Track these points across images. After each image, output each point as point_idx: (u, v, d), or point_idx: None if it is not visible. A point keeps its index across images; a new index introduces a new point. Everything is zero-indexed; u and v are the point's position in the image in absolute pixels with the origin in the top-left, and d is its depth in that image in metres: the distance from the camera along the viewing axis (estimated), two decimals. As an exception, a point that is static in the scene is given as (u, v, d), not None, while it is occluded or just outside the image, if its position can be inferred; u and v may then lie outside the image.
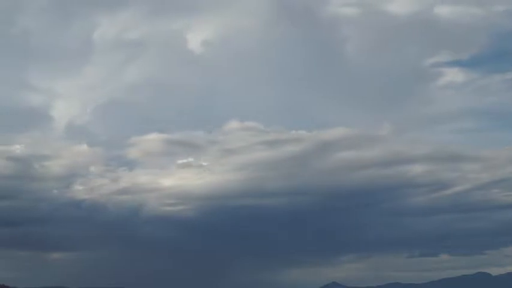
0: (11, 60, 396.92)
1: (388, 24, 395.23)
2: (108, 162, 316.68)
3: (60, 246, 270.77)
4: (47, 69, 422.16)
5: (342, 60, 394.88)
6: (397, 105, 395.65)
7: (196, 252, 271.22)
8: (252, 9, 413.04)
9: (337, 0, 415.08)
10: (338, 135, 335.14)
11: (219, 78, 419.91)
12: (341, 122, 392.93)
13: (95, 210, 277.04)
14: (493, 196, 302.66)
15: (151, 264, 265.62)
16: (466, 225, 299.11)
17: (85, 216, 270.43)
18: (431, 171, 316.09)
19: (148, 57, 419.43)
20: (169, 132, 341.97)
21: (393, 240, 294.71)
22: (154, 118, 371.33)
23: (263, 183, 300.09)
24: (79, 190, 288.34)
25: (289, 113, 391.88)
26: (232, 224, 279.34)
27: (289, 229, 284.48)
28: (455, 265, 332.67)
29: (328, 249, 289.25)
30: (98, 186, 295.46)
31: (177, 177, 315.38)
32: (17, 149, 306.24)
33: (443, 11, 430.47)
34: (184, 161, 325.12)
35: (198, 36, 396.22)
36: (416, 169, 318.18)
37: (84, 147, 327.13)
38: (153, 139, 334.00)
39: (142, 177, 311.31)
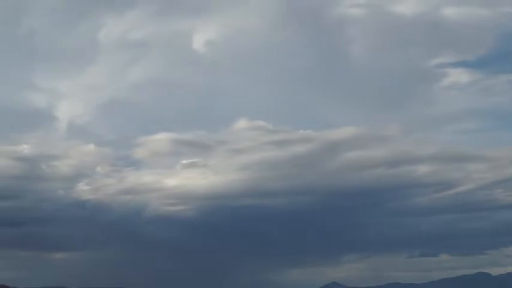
0: (17, 61, 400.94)
1: (395, 25, 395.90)
2: (114, 162, 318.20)
3: (61, 246, 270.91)
4: (52, 70, 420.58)
5: (348, 61, 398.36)
6: (403, 105, 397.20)
7: (197, 252, 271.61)
8: (260, 9, 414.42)
9: (344, 1, 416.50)
10: (345, 135, 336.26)
11: (226, 78, 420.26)
12: (348, 122, 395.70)
13: (98, 210, 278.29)
14: (496, 196, 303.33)
15: (152, 264, 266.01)
16: (467, 225, 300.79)
17: (88, 216, 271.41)
18: (437, 171, 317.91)
19: (153, 57, 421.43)
20: (177, 132, 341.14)
21: (393, 240, 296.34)
22: (160, 118, 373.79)
23: (267, 183, 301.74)
24: (84, 190, 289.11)
25: (296, 113, 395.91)
26: (232, 223, 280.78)
27: (292, 229, 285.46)
28: (455, 265, 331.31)
29: (329, 249, 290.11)
30: (104, 186, 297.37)
31: (182, 177, 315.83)
32: (25, 148, 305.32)
33: (450, 12, 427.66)
34: (190, 161, 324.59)
35: (203, 36, 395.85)
36: (422, 169, 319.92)
37: (91, 147, 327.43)
38: (160, 139, 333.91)
39: (146, 177, 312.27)
